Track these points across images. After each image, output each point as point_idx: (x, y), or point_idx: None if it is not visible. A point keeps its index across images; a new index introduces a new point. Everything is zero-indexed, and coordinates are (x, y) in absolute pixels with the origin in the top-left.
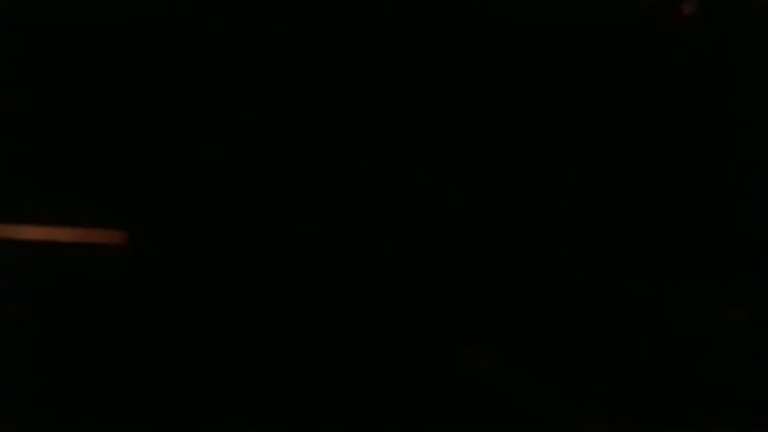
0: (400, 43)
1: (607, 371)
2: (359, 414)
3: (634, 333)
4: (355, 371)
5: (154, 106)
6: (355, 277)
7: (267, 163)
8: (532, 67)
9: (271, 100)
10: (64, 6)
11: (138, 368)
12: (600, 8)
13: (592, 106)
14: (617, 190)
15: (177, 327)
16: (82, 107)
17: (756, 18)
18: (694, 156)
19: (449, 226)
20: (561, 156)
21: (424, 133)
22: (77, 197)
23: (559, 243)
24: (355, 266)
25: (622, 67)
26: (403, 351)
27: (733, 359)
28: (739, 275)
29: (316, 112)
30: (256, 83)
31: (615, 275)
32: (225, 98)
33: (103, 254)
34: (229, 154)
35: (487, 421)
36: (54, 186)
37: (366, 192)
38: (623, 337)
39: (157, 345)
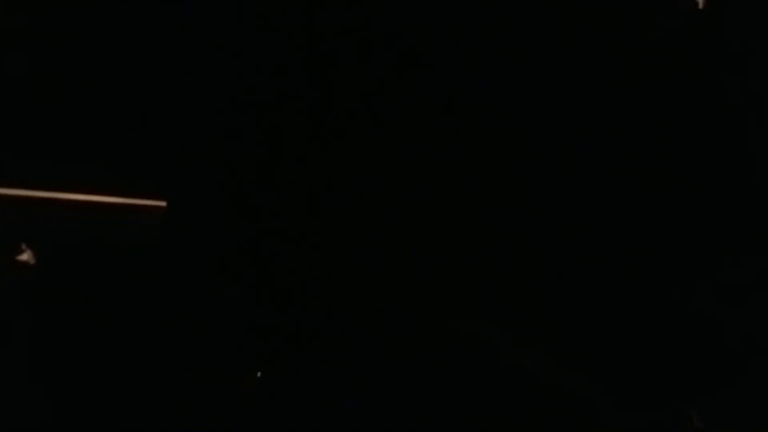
0: None
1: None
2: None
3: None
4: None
5: (188, 79)
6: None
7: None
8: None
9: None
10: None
11: (171, 327)
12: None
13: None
14: None
15: (208, 289)
16: (122, 80)
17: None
18: None
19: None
20: None
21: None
22: (120, 165)
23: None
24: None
25: None
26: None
27: None
28: None
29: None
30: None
31: None
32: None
33: (141, 218)
34: (261, 125)
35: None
36: (98, 154)
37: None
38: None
39: (188, 308)
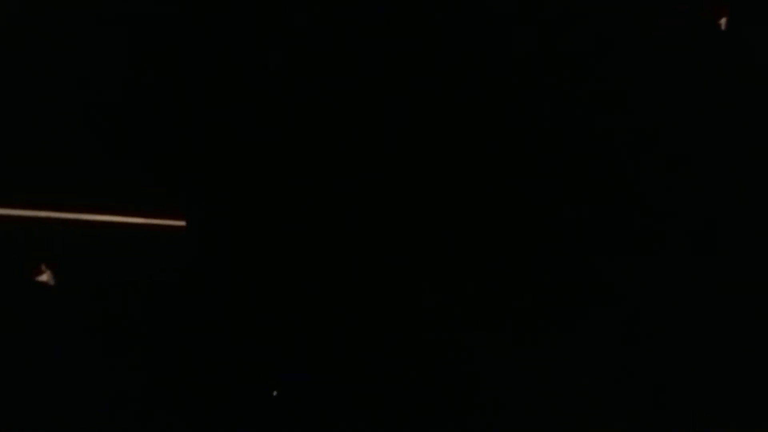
0: None
1: None
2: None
3: None
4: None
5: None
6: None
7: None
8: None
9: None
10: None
11: (192, 344)
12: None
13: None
14: None
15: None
16: (142, 102)
17: None
18: None
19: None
20: None
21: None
22: (143, 187)
23: None
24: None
25: None
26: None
27: None
28: None
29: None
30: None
31: None
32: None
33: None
34: (280, 145)
35: None
36: (117, 175)
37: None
38: None
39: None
